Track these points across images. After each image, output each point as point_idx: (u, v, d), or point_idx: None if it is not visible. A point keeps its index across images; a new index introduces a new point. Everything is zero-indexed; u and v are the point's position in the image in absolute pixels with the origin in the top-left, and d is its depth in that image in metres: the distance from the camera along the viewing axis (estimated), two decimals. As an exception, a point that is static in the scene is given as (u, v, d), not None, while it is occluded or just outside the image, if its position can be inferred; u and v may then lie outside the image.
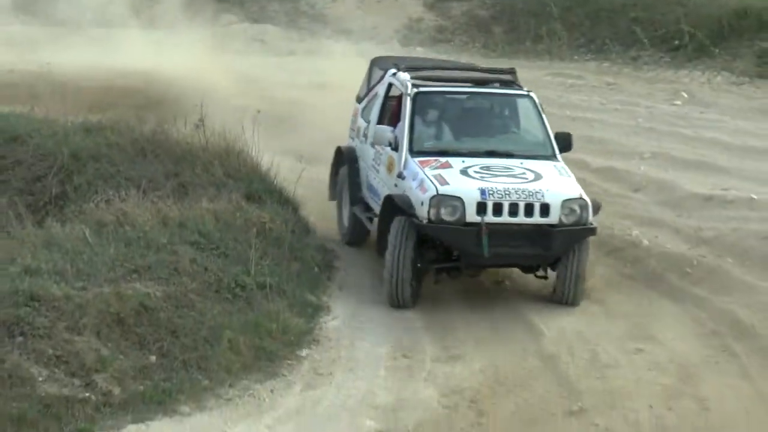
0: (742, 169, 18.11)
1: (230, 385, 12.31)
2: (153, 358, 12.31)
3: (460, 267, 14.63)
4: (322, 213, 15.98)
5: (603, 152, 18.85)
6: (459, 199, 14.20)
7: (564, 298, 14.54)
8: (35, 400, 11.34)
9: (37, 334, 11.87)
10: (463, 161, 14.87)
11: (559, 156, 15.38)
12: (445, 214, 14.17)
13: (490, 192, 14.23)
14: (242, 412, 11.98)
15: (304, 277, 14.38)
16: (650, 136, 19.93)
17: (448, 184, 14.37)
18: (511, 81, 16.29)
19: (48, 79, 19.06)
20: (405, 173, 14.80)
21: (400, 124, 15.37)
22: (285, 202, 15.59)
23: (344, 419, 11.81)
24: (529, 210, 14.27)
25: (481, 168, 14.74)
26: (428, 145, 15.31)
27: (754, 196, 16.79)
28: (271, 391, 12.36)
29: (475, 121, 15.88)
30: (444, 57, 25.84)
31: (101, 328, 12.22)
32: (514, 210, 14.24)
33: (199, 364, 12.36)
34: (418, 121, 15.46)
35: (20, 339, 11.81)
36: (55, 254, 13.05)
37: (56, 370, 11.69)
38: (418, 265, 14.41)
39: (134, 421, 11.56)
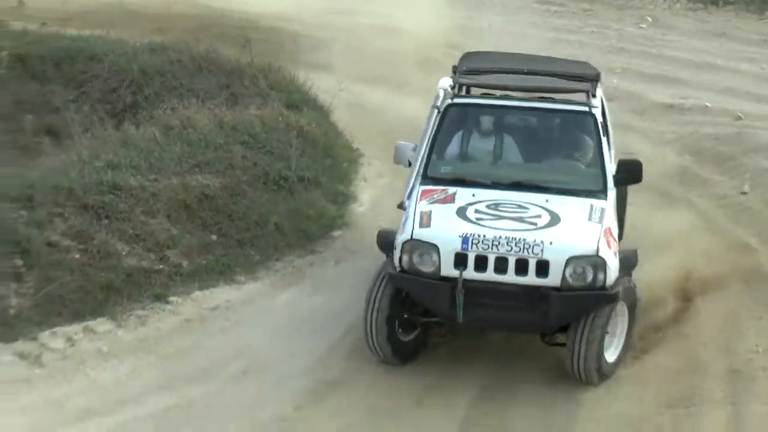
0: (698, 81, 18.13)
1: (277, 260, 12.54)
2: (214, 237, 12.46)
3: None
4: (350, 120, 15.77)
5: (581, 68, 18.82)
6: (434, 246, 10.00)
7: (575, 373, 10.24)
8: (120, 270, 11.54)
9: (119, 217, 12.02)
10: (473, 194, 10.55)
11: (610, 192, 10.75)
12: (419, 264, 10.05)
13: (474, 240, 9.93)
14: (287, 281, 12.24)
15: (335, 171, 14.34)
16: (621, 54, 19.84)
17: (428, 226, 10.19)
18: (583, 91, 11.31)
19: (119, 7, 18.95)
20: (407, 203, 10.77)
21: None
22: (319, 109, 15.48)
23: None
24: (521, 267, 9.90)
25: (488, 205, 10.41)
26: (445, 170, 11.03)
27: (708, 104, 16.91)
28: (310, 264, 12.62)
29: (514, 141, 11.34)
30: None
31: (171, 213, 12.37)
32: (501, 265, 9.90)
33: (252, 243, 12.53)
34: (443, 139, 11.19)
35: (106, 221, 11.95)
36: (131, 152, 13.09)
37: (136, 247, 11.88)
38: (405, 316, 10.46)
39: (200, 288, 11.80)
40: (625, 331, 10.52)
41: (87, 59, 15.88)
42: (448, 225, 10.19)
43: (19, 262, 11.16)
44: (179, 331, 11.20)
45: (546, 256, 9.89)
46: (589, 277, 9.96)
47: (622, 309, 10.41)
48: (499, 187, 10.67)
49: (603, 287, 10.02)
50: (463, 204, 10.45)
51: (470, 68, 11.76)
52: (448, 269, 9.98)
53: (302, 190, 13.53)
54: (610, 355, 10.41)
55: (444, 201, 10.54)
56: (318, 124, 14.93)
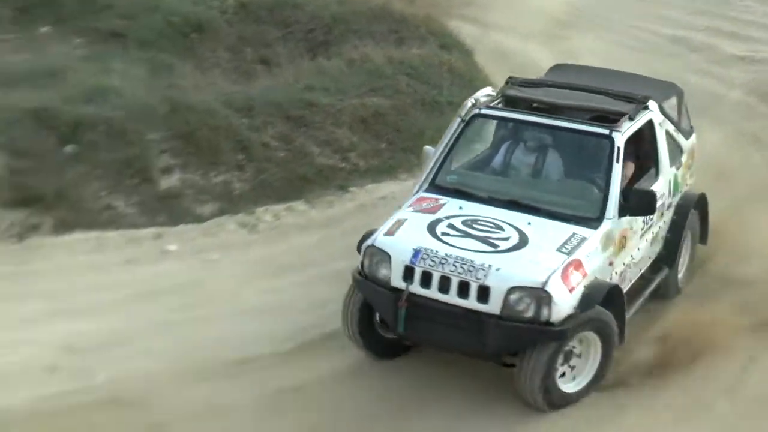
0: (767, 39, 17.80)
1: (430, 164, 12.79)
2: (383, 145, 12.61)
3: None
4: (489, 60, 15.52)
5: (671, 25, 18.34)
6: (388, 256, 8.02)
7: (526, 399, 7.94)
8: (313, 167, 11.85)
9: (313, 126, 12.27)
10: (460, 207, 8.37)
11: (606, 221, 8.19)
12: (376, 271, 8.08)
13: (423, 256, 7.87)
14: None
15: (477, 98, 14.40)
16: (704, 16, 19.19)
17: (392, 235, 8.15)
18: (621, 113, 8.67)
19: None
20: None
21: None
22: (465, 51, 15.47)
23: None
24: (463, 289, 7.73)
25: (465, 221, 8.18)
26: (451, 179, 8.85)
27: (773, 57, 16.62)
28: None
29: (529, 158, 8.92)
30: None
31: (352, 125, 12.55)
32: (444, 285, 7.78)
33: (412, 150, 12.51)
34: (460, 149, 9.09)
35: (304, 129, 12.22)
36: (323, 78, 13.30)
37: (325, 149, 12.14)
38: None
39: (372, 182, 12.02)
40: (597, 364, 8.09)
41: (292, 7, 15.95)
42: (410, 236, 8.09)
43: (241, 156, 11.60)
44: (356, 213, 11.44)
45: (488, 282, 7.65)
46: (531, 311, 7.60)
47: (594, 341, 8.01)
48: (494, 203, 8.39)
49: (547, 321, 7.61)
50: (441, 216, 8.29)
51: (525, 81, 9.47)
52: (397, 280, 7.95)
53: (450, 111, 13.04)
54: (573, 387, 8.07)
55: (427, 211, 8.42)
56: (464, 62, 14.90)
